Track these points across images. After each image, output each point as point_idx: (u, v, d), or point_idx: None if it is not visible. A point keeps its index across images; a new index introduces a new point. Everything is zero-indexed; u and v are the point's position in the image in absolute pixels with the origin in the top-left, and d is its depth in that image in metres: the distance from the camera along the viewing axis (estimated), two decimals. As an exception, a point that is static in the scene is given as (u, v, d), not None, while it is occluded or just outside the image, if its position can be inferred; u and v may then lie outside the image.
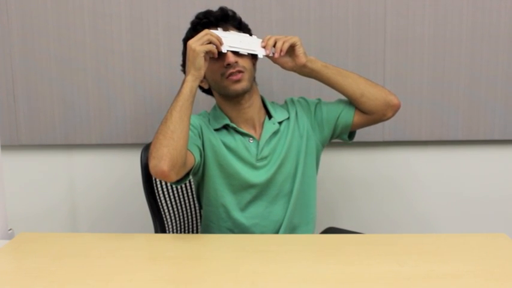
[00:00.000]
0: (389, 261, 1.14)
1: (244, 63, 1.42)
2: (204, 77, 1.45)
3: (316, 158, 1.56)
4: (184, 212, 1.68)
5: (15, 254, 1.23)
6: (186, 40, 1.45)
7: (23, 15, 1.85)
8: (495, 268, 1.11)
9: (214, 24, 1.43)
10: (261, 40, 1.43)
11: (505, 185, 1.99)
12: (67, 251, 1.23)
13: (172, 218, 1.64)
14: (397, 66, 1.88)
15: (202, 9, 1.84)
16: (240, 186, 1.47)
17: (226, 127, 1.49)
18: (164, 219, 1.59)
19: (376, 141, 1.93)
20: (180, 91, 1.33)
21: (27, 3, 1.85)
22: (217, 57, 1.39)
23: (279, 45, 1.39)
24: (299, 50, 1.41)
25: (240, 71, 1.41)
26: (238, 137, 1.48)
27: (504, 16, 1.85)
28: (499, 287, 1.04)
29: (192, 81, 1.33)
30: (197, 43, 1.32)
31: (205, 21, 1.44)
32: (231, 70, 1.40)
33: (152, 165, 1.26)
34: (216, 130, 1.48)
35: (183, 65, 1.51)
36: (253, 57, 1.46)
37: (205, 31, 1.34)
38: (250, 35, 1.49)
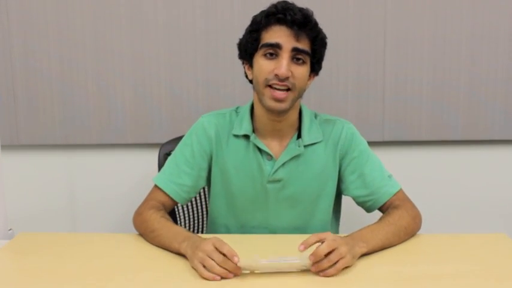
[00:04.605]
0: (389, 261, 1.14)
1: (297, 79, 1.21)
2: (251, 67, 1.28)
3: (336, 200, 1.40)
4: (195, 211, 1.68)
5: (15, 254, 1.23)
6: (254, 19, 1.27)
7: (23, 15, 1.85)
8: (495, 268, 1.11)
9: (289, 25, 1.20)
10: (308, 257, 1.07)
11: (505, 185, 1.99)
12: (67, 251, 1.23)
13: (186, 216, 1.64)
14: (397, 66, 1.88)
15: (202, 9, 1.85)
16: (243, 208, 1.34)
17: (246, 136, 1.33)
18: (177, 217, 1.61)
19: (376, 141, 1.93)
20: (173, 242, 1.16)
21: (27, 3, 1.84)
22: (271, 56, 1.21)
23: (325, 268, 1.06)
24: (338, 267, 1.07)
25: (288, 89, 1.21)
26: (255, 152, 1.31)
27: (504, 16, 1.85)
28: (499, 287, 1.04)
29: (184, 252, 1.13)
30: (205, 266, 1.05)
31: (280, 16, 1.20)
32: (278, 83, 1.20)
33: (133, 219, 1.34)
34: (236, 136, 1.33)
35: (240, 48, 1.31)
36: (313, 72, 1.28)
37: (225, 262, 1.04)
38: (323, 53, 1.28)
